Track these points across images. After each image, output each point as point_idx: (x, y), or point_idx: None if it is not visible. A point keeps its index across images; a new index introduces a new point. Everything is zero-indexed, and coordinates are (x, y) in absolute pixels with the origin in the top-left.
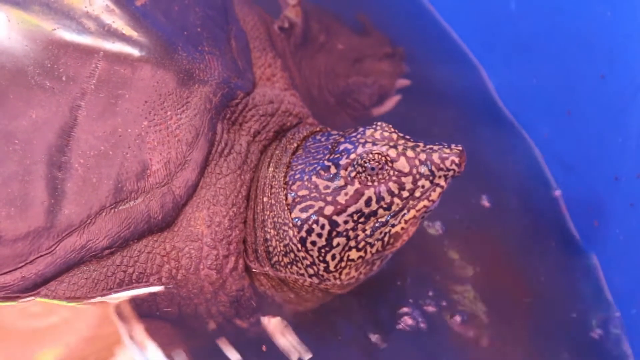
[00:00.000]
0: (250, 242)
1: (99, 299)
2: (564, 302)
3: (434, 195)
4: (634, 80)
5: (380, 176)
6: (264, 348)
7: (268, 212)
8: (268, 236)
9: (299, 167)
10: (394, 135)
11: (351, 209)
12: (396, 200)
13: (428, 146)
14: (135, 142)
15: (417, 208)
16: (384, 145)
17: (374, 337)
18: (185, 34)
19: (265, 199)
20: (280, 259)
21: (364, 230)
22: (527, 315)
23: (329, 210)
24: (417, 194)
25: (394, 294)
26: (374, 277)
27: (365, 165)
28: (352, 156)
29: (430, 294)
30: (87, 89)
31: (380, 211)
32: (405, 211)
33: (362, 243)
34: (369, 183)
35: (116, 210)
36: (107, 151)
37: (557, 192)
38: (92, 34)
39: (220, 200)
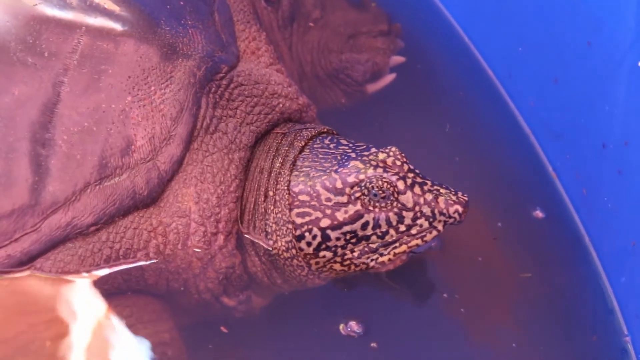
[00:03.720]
0: (247, 226)
1: (86, 274)
2: (554, 274)
3: (429, 237)
4: (620, 47)
5: (383, 204)
6: (223, 329)
7: (272, 207)
8: (269, 229)
9: (304, 169)
10: (405, 167)
11: (346, 228)
12: (392, 231)
13: (435, 187)
14: (119, 117)
15: (409, 244)
16: (394, 174)
17: (358, 328)
18: (168, 7)
19: (270, 193)
20: (281, 253)
21: (352, 251)
22: (518, 286)
23: (325, 222)
24: (414, 231)
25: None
26: None
27: (372, 190)
28: (361, 177)
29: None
30: (70, 64)
31: (374, 238)
32: (397, 244)
33: (347, 261)
34: (371, 208)
35: (101, 186)
36: (91, 127)
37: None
38: (74, 9)
39: (208, 177)
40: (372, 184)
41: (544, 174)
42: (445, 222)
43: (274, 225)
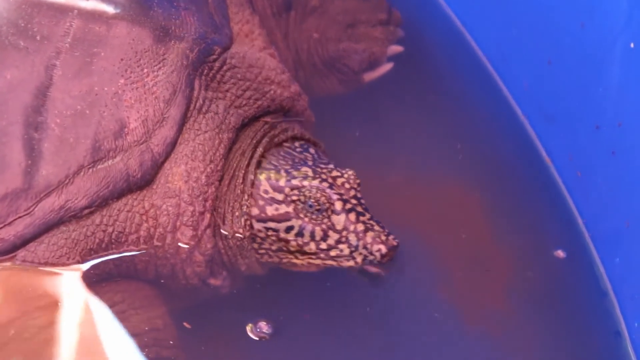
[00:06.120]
0: (220, 207)
1: (79, 259)
2: (548, 257)
3: (345, 264)
4: (613, 28)
5: (313, 216)
6: (186, 325)
7: (250, 187)
8: (244, 209)
9: (264, 161)
10: (352, 192)
11: (271, 224)
12: (312, 244)
13: (371, 221)
14: (112, 100)
15: (325, 262)
16: (337, 194)
17: (267, 328)
18: None
19: (251, 176)
20: (249, 233)
21: (270, 244)
22: (510, 270)
23: (253, 212)
24: (333, 253)
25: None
26: None
27: (309, 199)
28: (305, 183)
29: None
30: (62, 48)
31: (293, 243)
32: (313, 256)
33: (263, 251)
34: (301, 215)
35: (94, 169)
36: (84, 110)
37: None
38: None
39: (199, 156)
40: (311, 194)
41: (537, 157)
42: (365, 257)
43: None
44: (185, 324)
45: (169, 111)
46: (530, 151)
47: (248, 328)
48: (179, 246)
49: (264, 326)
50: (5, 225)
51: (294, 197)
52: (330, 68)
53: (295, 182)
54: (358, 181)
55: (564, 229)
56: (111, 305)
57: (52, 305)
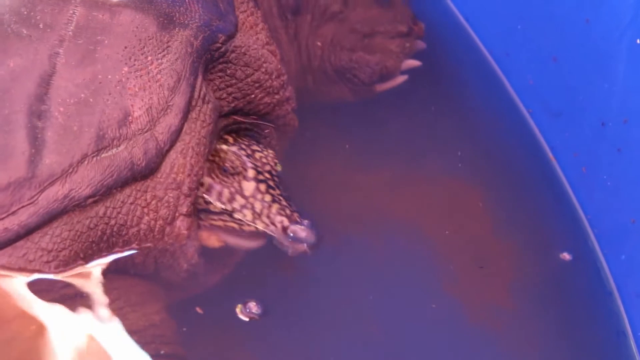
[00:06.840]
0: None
1: (81, 255)
2: (552, 255)
3: (246, 229)
4: (619, 24)
5: (224, 178)
6: (198, 310)
7: None
8: None
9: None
10: (268, 167)
11: None
12: (219, 204)
13: (280, 197)
14: (116, 88)
15: (226, 224)
16: (252, 163)
17: (257, 309)
18: None
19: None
20: None
21: None
22: (514, 267)
23: None
24: (236, 215)
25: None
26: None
27: (224, 163)
28: (223, 147)
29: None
30: (65, 36)
31: (200, 201)
32: (216, 217)
33: None
34: (213, 175)
35: (98, 158)
36: (88, 98)
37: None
38: None
39: (202, 150)
40: (227, 157)
41: (542, 154)
42: (267, 225)
43: None
44: (197, 309)
45: (174, 99)
46: (535, 148)
47: (238, 309)
48: (179, 234)
49: (253, 307)
50: (9, 215)
51: (210, 158)
52: (341, 76)
53: (216, 145)
54: (276, 161)
55: (568, 226)
56: (107, 303)
57: (47, 304)
